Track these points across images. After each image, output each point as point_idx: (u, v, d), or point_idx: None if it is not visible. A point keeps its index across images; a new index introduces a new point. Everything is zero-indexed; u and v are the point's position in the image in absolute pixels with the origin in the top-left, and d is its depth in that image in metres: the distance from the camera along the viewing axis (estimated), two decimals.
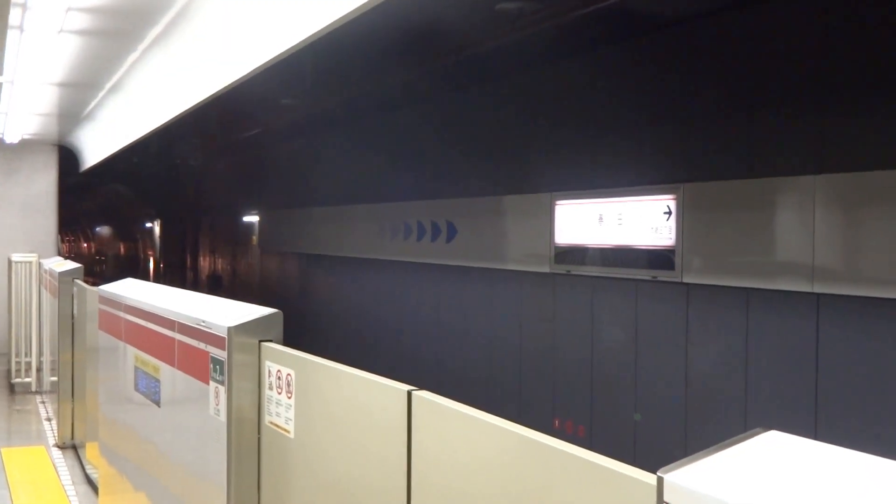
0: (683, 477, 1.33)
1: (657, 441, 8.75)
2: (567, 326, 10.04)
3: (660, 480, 1.36)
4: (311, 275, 17.74)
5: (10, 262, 11.86)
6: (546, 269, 10.24)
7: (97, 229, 51.12)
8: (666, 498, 1.34)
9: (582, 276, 9.69)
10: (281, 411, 3.20)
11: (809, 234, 7.17)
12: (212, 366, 3.51)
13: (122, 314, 5.13)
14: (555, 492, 1.83)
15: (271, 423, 3.28)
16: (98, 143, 15.57)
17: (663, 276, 8.56)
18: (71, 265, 8.47)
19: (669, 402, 8.55)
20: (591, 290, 9.59)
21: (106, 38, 8.04)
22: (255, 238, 21.74)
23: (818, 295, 7.13)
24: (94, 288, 6.51)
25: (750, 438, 1.46)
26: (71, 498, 6.55)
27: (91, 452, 6.98)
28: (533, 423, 2.00)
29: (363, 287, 15.32)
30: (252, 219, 21.82)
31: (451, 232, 12.27)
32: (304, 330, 17.51)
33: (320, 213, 16.95)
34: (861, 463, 1.35)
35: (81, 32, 7.70)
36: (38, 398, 10.19)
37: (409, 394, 2.39)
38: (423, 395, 2.36)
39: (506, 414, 2.13)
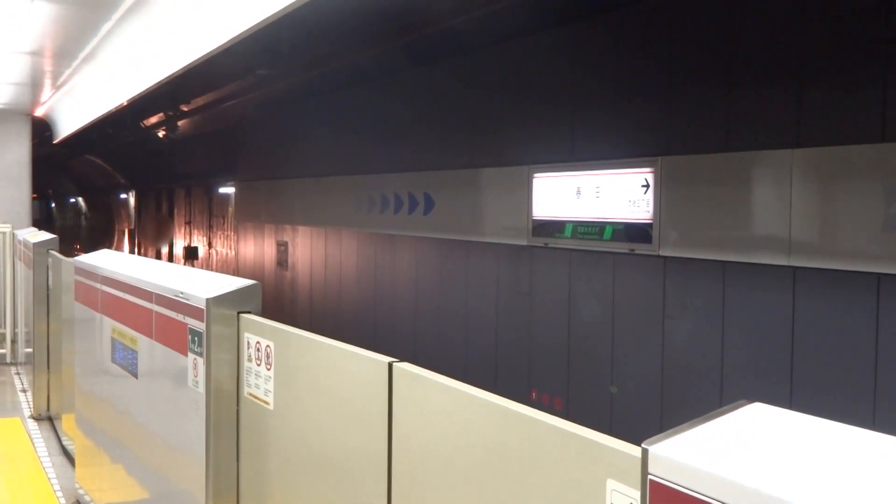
0: (668, 449, 1.34)
1: (633, 413, 8.80)
2: (544, 299, 10.06)
3: (644, 452, 1.36)
4: (289, 246, 17.68)
5: None
6: (523, 242, 10.24)
7: (70, 200, 50.65)
8: (651, 469, 1.34)
9: (559, 248, 9.70)
10: (260, 383, 3.19)
11: (786, 207, 7.20)
12: (190, 337, 3.49)
13: (98, 285, 5.10)
14: (539, 464, 1.83)
15: (250, 394, 3.27)
16: (72, 113, 15.42)
17: (640, 249, 8.58)
18: (46, 236, 8.41)
19: (645, 374, 8.60)
20: (569, 263, 9.61)
21: (79, 6, 7.94)
22: (231, 209, 21.64)
23: (794, 268, 7.18)
24: (70, 259, 6.46)
25: (734, 410, 1.47)
26: (47, 469, 6.52)
27: (67, 424, 6.96)
28: (510, 394, 2.00)
29: (341, 259, 15.30)
30: (228, 190, 21.71)
31: (429, 204, 12.25)
32: (282, 302, 17.48)
33: (298, 185, 16.89)
34: (843, 434, 1.36)
35: (54, 0, 7.61)
36: (13, 369, 10.13)
37: (390, 365, 2.39)
38: (403, 367, 2.35)
39: (483, 384, 2.13)
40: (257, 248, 19.32)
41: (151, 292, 4.01)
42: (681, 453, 1.31)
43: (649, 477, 1.35)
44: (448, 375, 2.20)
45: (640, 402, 8.70)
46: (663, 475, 1.32)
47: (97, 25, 8.57)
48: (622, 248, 8.81)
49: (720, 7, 8.06)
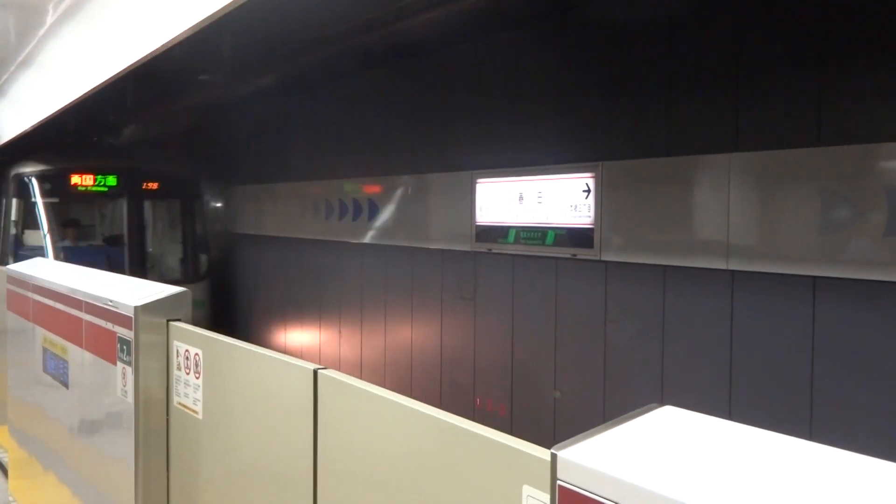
0: (576, 453, 1.33)
1: (577, 418, 8.83)
2: (488, 304, 10.06)
3: (553, 457, 1.36)
4: (230, 253, 17.53)
5: None
6: (467, 248, 10.24)
7: None
8: (559, 474, 1.34)
9: (503, 254, 9.71)
10: (189, 392, 3.15)
11: (724, 211, 7.27)
12: (119, 346, 3.44)
13: (30, 294, 5.02)
14: (458, 469, 1.82)
15: (180, 403, 3.23)
16: (9, 121, 15.19)
17: (582, 253, 8.60)
18: None
19: (588, 378, 8.63)
20: (512, 268, 9.62)
21: (8, 10, 7.83)
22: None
23: (733, 272, 7.24)
24: (2, 267, 6.35)
25: (645, 414, 1.47)
26: None
27: (1, 435, 6.84)
28: (454, 402, 2.00)
29: (286, 267, 15.19)
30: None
31: (373, 210, 12.21)
32: (220, 312, 17.32)
33: (241, 192, 16.76)
34: (749, 437, 1.36)
35: None
36: None
37: (315, 372, 2.37)
38: (328, 374, 2.34)
39: (427, 393, 2.12)
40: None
41: (81, 301, 3.95)
42: (588, 458, 1.31)
43: (558, 482, 1.34)
44: (393, 384, 2.19)
45: (584, 407, 8.73)
46: (571, 480, 1.31)
47: (30, 31, 8.46)
48: (565, 252, 8.83)
49: (658, 13, 8.13)
